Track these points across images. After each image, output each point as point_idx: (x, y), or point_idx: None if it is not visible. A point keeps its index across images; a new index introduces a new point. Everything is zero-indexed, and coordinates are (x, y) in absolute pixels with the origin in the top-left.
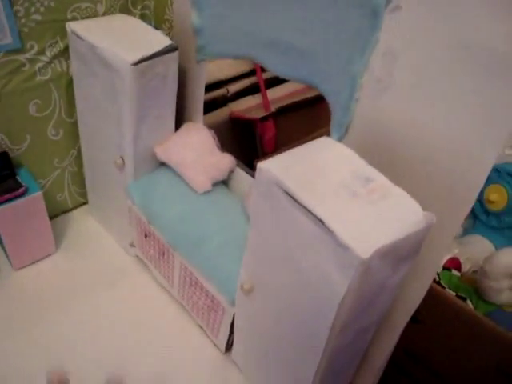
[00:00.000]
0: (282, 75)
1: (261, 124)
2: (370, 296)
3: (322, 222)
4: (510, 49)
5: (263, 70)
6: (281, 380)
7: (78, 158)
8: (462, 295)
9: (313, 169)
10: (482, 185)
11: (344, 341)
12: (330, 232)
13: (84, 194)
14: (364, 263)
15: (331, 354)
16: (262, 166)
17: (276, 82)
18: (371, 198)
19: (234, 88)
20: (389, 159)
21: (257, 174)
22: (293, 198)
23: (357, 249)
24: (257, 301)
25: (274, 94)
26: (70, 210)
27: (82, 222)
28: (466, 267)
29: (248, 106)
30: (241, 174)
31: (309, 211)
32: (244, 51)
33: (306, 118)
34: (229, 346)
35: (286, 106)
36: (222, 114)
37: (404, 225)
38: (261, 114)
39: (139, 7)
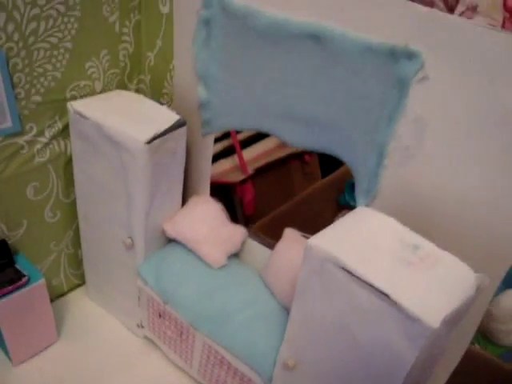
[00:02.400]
0: (299, 146)
1: (240, 187)
2: (430, 358)
3: (386, 295)
4: None
5: (238, 132)
6: None
7: (75, 238)
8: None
9: (361, 241)
10: None
11: None
12: (395, 305)
13: (79, 276)
14: (434, 332)
15: None
16: (313, 242)
17: (248, 143)
18: (424, 265)
19: None
20: (419, 221)
21: (307, 250)
22: (351, 273)
23: (426, 319)
24: (301, 377)
25: (247, 155)
26: (66, 293)
27: (81, 304)
28: None
29: (223, 170)
30: (252, 245)
31: (370, 285)
32: (254, 123)
33: (281, 177)
34: None
35: (263, 167)
36: None
37: (460, 290)
38: (238, 176)
39: (135, 81)
